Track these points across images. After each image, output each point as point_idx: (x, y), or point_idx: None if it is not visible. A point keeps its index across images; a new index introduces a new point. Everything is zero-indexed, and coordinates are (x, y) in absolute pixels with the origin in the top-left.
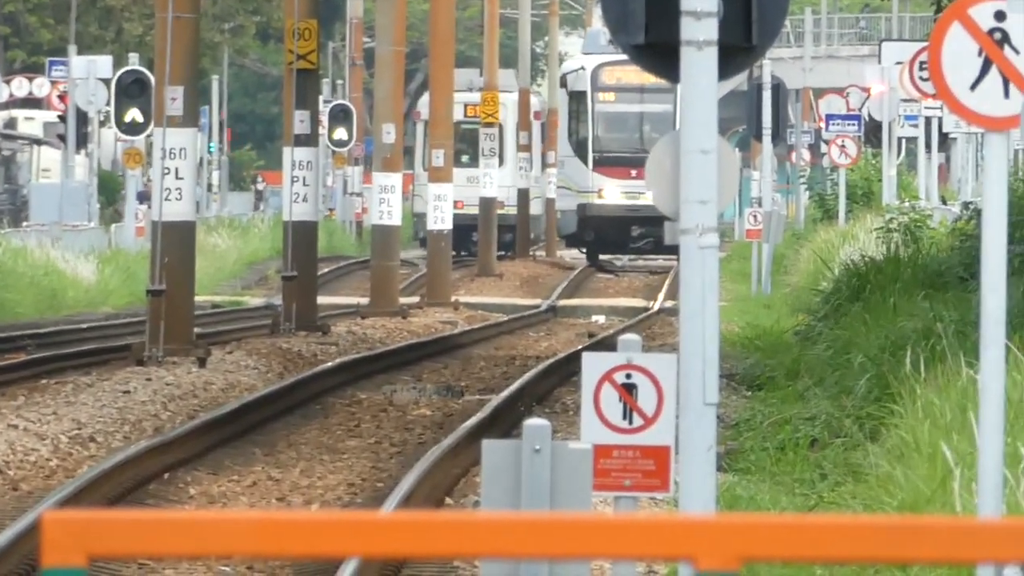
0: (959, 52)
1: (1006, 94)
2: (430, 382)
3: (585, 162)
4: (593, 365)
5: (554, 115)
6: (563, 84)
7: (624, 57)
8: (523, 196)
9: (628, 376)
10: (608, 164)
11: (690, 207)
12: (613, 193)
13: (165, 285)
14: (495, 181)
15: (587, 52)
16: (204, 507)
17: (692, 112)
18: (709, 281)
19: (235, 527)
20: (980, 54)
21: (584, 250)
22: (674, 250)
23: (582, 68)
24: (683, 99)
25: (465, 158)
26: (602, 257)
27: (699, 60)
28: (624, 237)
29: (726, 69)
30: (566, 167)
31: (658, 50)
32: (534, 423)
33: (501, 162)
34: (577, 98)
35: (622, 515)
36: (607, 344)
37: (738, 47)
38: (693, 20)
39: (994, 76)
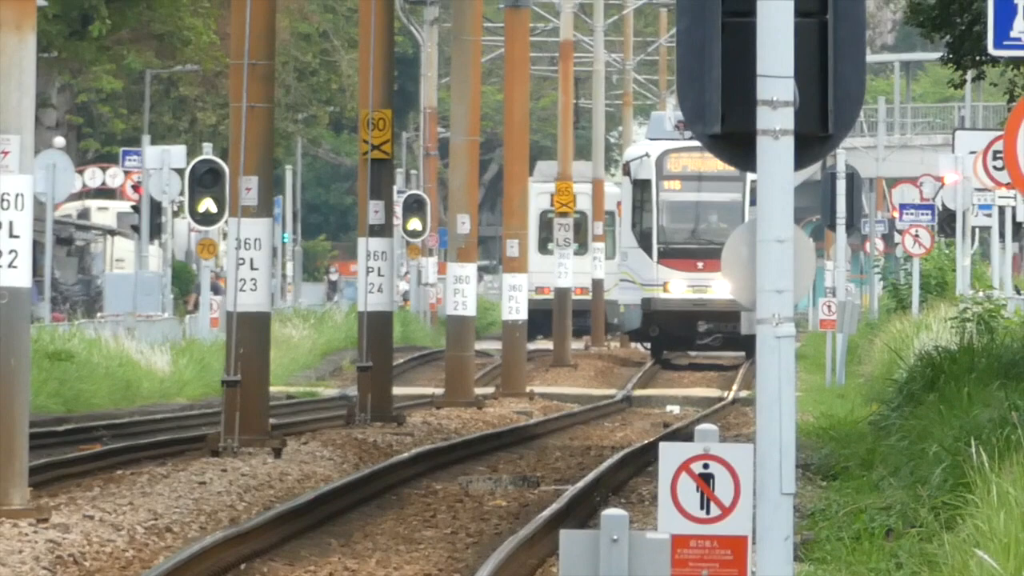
0: None
1: None
2: (506, 472)
3: (649, 254)
4: (671, 455)
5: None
6: (626, 172)
7: (690, 143)
8: (598, 286)
9: (705, 466)
10: (674, 256)
11: (767, 296)
12: (679, 287)
13: (240, 376)
14: (570, 271)
15: (651, 138)
16: None
17: (768, 201)
18: (785, 371)
19: None
20: None
21: (648, 346)
22: (742, 346)
23: (646, 155)
24: (759, 188)
25: (551, 246)
26: (668, 354)
27: (775, 149)
28: (691, 333)
29: (802, 158)
30: (629, 259)
31: (734, 139)
32: (612, 513)
33: (586, 250)
34: (641, 186)
35: None
36: (682, 434)
37: (814, 136)
38: (769, 109)
39: None
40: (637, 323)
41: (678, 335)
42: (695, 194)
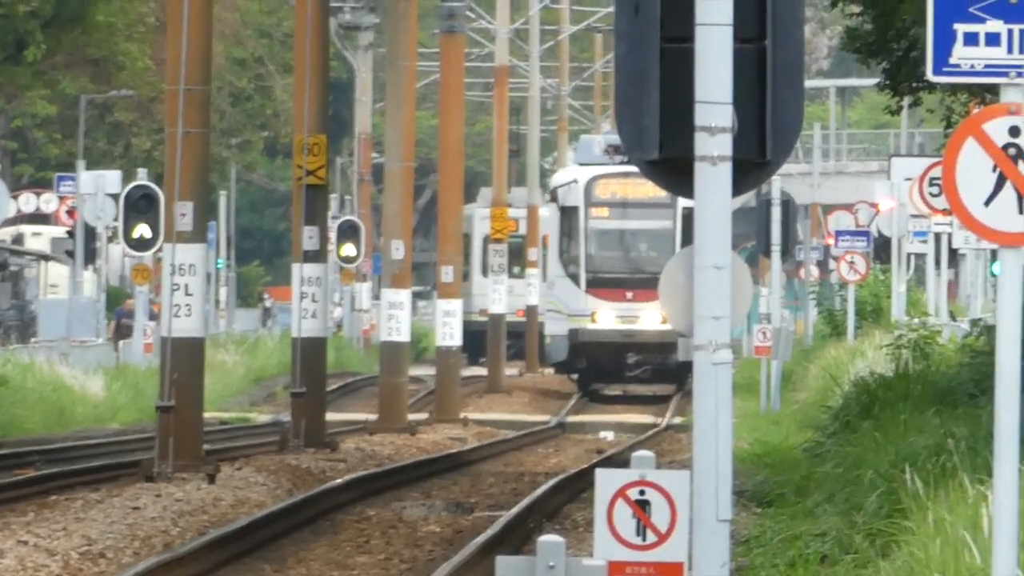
0: (973, 168)
1: (1020, 209)
2: (439, 498)
3: (577, 283)
4: (607, 481)
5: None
6: (553, 198)
7: (620, 169)
8: (532, 312)
9: (642, 492)
10: (602, 285)
11: (704, 323)
12: (608, 317)
13: (174, 401)
14: (504, 297)
15: (581, 163)
16: None
17: (706, 228)
18: (722, 397)
19: None
20: (994, 170)
21: (575, 377)
22: (673, 378)
23: (574, 181)
24: (697, 214)
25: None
26: (596, 385)
27: (714, 175)
28: (619, 365)
29: (740, 185)
30: (556, 288)
31: (672, 166)
32: (548, 540)
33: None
34: (569, 213)
35: None
36: (617, 461)
37: (752, 162)
38: (707, 136)
39: (1008, 192)
40: (564, 355)
41: (606, 367)
42: (624, 221)
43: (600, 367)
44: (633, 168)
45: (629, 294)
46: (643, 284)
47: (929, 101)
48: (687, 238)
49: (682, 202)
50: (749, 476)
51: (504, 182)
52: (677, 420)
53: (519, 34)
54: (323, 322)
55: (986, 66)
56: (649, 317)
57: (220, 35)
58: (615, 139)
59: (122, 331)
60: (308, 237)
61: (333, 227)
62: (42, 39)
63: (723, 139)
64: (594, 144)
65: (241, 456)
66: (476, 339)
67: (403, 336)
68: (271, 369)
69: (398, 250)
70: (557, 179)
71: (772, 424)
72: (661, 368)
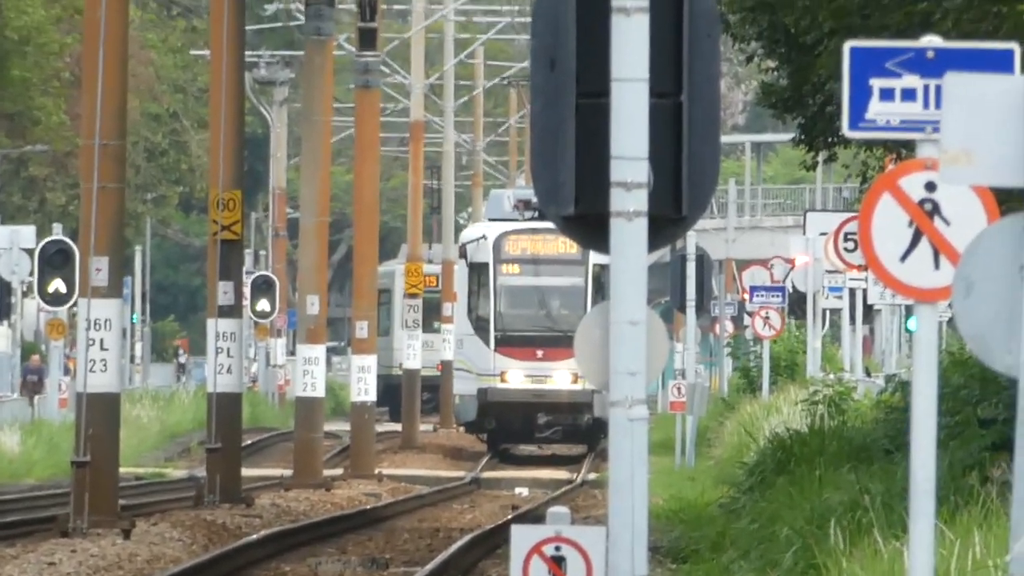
0: (889, 223)
1: (936, 265)
2: (355, 554)
3: (486, 341)
4: (522, 537)
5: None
6: (462, 254)
7: (529, 224)
8: (447, 368)
9: (557, 548)
10: (512, 344)
11: (620, 379)
12: (517, 376)
13: (90, 456)
14: (418, 352)
15: (490, 218)
16: None
17: (621, 283)
18: (638, 453)
19: None
20: (910, 225)
21: (485, 438)
22: (585, 438)
23: (483, 237)
24: (613, 270)
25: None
26: (504, 446)
27: (629, 231)
28: (529, 425)
29: (655, 240)
30: (465, 347)
31: (588, 221)
32: None
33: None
34: (478, 270)
35: None
36: (531, 516)
37: (668, 218)
38: (623, 191)
39: (924, 247)
40: (473, 414)
41: (516, 427)
42: (534, 278)
43: (510, 427)
44: (543, 224)
45: (539, 352)
46: (553, 342)
47: (844, 156)
48: (598, 295)
49: (593, 258)
50: (665, 532)
51: (419, 237)
52: (592, 476)
53: (434, 89)
54: (238, 377)
55: (902, 121)
56: (560, 376)
57: (135, 90)
58: (524, 194)
59: (29, 387)
60: (223, 292)
61: (248, 282)
62: None
63: (639, 194)
64: (504, 199)
65: (157, 511)
66: (397, 393)
67: (318, 391)
68: (186, 424)
69: (313, 305)
70: (466, 235)
71: (688, 480)
72: (573, 428)
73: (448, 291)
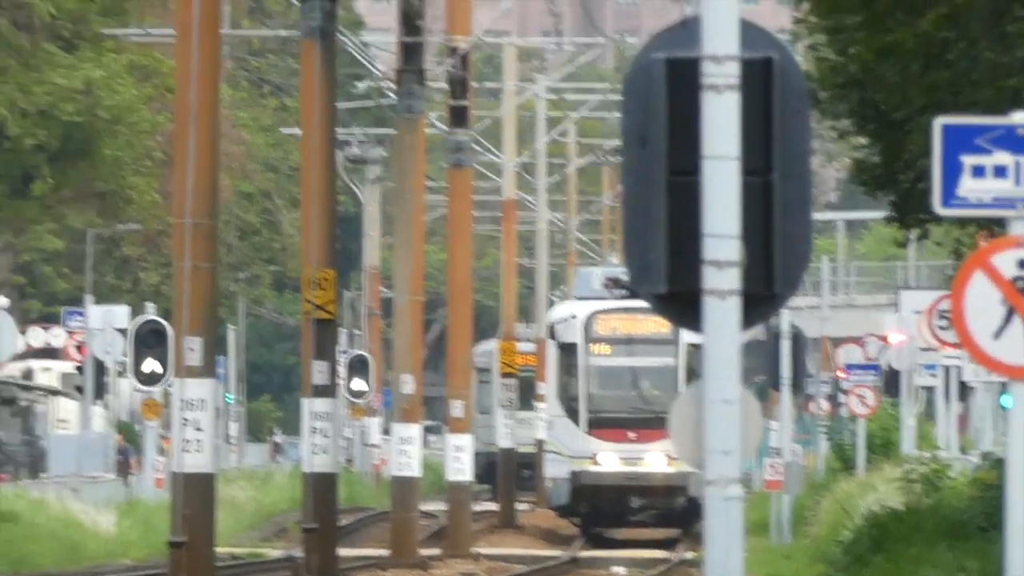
0: (981, 301)
1: None
2: None
3: (577, 423)
4: None
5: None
6: (551, 334)
7: (620, 303)
8: (541, 447)
9: None
10: (604, 425)
11: (714, 457)
12: (610, 459)
13: (186, 537)
14: (512, 432)
15: (579, 297)
16: None
17: (715, 362)
18: (734, 532)
19: None
20: (1003, 303)
21: (577, 521)
22: (679, 522)
23: (573, 316)
24: (706, 349)
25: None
26: (598, 530)
27: (722, 309)
28: (623, 509)
29: (748, 318)
30: (556, 429)
31: (680, 299)
32: None
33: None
34: (568, 351)
35: None
36: None
37: (760, 296)
38: (716, 270)
39: (1017, 325)
40: (565, 498)
41: (609, 511)
42: (626, 359)
43: (603, 511)
44: (634, 303)
45: (632, 434)
46: (646, 424)
47: (937, 233)
48: (691, 375)
49: (685, 337)
50: None
51: (512, 316)
52: (689, 555)
53: (526, 167)
54: (334, 457)
55: (994, 199)
56: (653, 458)
57: (227, 169)
58: (614, 272)
59: (118, 467)
60: (318, 372)
61: (343, 361)
62: (49, 173)
63: (731, 273)
64: (592, 277)
65: None
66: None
67: (414, 471)
68: (282, 504)
69: (408, 384)
70: (555, 314)
71: (784, 558)
72: (667, 511)
73: (542, 369)
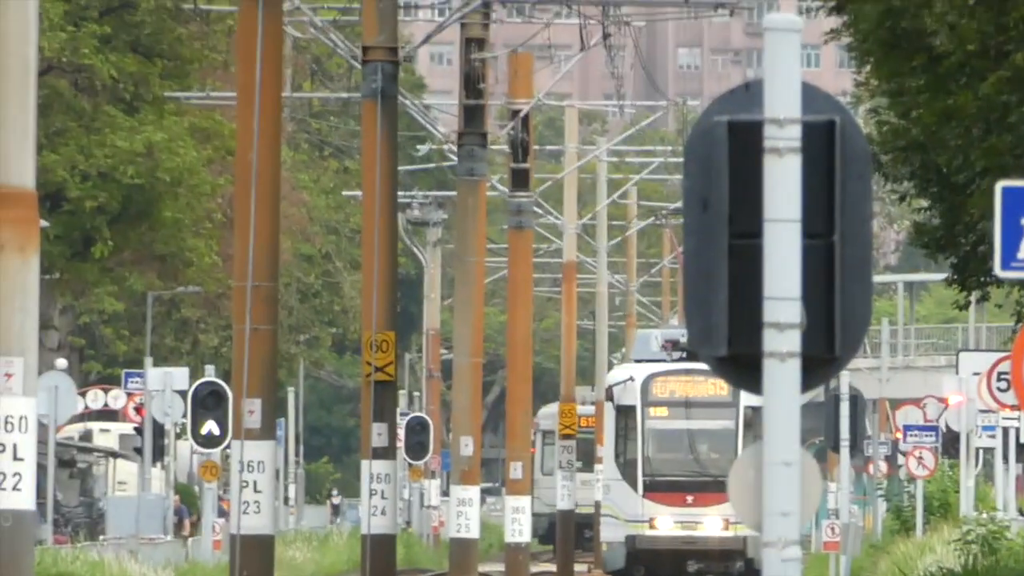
0: None
1: None
2: None
3: (634, 487)
4: None
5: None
6: (609, 397)
7: (678, 366)
8: (598, 508)
9: None
10: (661, 489)
11: (773, 519)
12: (667, 523)
13: None
14: (572, 494)
15: (637, 360)
16: None
17: (775, 424)
18: None
19: None
20: None
21: None
22: None
23: (630, 379)
24: (766, 411)
25: (580, 463)
26: None
27: (782, 372)
28: (679, 572)
29: (808, 380)
30: (612, 492)
31: (740, 362)
32: None
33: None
34: (625, 413)
35: None
36: None
37: (820, 358)
38: (776, 332)
39: None
40: (621, 562)
41: (666, 575)
42: (684, 421)
43: (659, 575)
44: (692, 365)
45: (689, 498)
46: (703, 487)
47: (997, 295)
48: (749, 438)
49: (744, 400)
50: None
51: (572, 378)
52: None
53: (587, 229)
54: (392, 519)
55: None
56: (711, 522)
57: (287, 231)
58: (672, 335)
59: (174, 528)
60: (377, 433)
61: (402, 423)
62: (109, 236)
63: (792, 335)
64: (651, 340)
65: None
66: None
67: (472, 532)
68: (341, 566)
69: (467, 446)
70: (612, 377)
71: None
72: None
73: (601, 432)
